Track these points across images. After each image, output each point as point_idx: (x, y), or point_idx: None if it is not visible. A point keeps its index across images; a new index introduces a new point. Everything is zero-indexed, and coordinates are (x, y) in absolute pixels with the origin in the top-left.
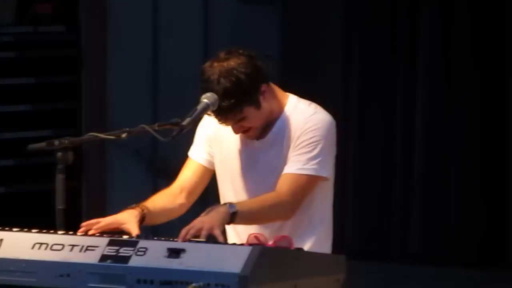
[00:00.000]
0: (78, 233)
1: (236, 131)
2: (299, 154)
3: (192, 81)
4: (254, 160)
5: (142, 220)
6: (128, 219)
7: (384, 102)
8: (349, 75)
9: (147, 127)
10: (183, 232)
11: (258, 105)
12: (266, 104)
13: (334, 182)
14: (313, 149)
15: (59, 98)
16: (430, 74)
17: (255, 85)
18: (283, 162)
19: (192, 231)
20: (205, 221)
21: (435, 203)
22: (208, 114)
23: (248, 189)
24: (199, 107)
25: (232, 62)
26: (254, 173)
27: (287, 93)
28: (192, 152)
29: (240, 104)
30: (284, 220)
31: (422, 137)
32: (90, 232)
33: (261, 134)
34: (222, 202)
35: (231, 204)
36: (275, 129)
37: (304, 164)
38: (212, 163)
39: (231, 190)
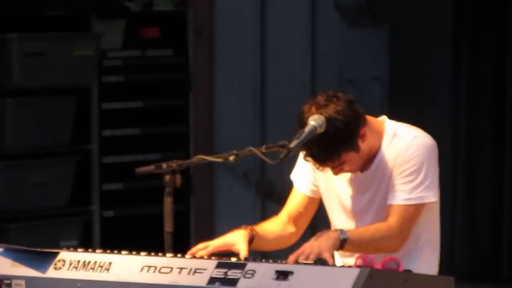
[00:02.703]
0: (187, 256)
1: (335, 174)
2: (403, 183)
3: (299, 104)
4: (359, 191)
5: (251, 241)
6: (237, 240)
7: (493, 126)
8: (457, 99)
9: (254, 150)
10: (292, 257)
11: (357, 149)
12: (365, 145)
13: (444, 204)
14: (417, 176)
15: (167, 122)
16: None
17: (354, 131)
18: (388, 189)
19: (301, 258)
20: (314, 245)
21: None
22: (306, 160)
23: (355, 216)
24: (307, 129)
25: (331, 110)
26: (360, 202)
27: (382, 119)
28: (296, 182)
29: (338, 152)
30: (392, 252)
31: None
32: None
33: (364, 167)
34: (332, 227)
35: (342, 231)
36: (377, 160)
37: (410, 193)
38: (317, 192)
39: (341, 217)
